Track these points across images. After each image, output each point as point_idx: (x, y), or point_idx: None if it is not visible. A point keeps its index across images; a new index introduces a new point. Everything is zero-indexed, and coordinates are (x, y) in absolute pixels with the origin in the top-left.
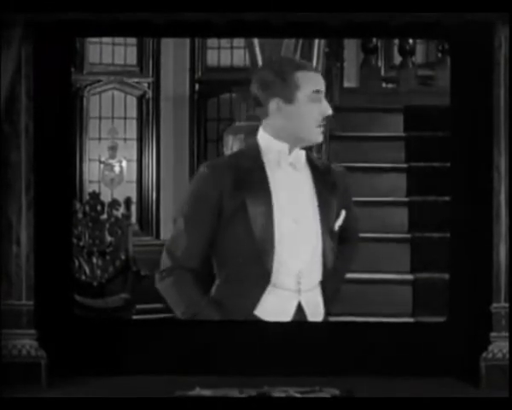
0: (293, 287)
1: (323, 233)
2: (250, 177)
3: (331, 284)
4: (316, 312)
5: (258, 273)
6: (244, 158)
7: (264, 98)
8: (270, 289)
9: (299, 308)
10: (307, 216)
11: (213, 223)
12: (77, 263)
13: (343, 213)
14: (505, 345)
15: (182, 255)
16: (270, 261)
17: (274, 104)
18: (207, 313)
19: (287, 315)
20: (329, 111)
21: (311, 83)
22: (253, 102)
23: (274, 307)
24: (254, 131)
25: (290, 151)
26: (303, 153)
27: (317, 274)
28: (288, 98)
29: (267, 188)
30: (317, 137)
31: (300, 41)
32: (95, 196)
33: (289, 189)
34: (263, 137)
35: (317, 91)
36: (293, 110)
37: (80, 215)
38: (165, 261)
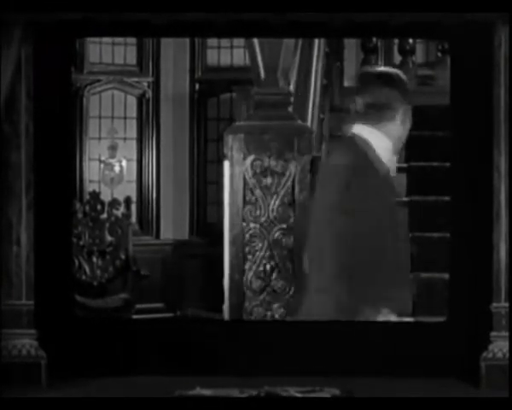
0: None
1: None
2: (386, 182)
3: None
4: None
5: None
6: (360, 158)
7: (396, 103)
8: None
9: None
10: None
11: None
12: (77, 263)
13: None
14: (505, 345)
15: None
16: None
17: (405, 110)
18: None
19: None
20: None
21: None
22: (373, 102)
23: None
24: (254, 130)
25: None
26: None
27: None
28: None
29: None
30: None
31: (300, 41)
32: (95, 195)
33: None
34: (379, 139)
35: None
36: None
37: (80, 215)
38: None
